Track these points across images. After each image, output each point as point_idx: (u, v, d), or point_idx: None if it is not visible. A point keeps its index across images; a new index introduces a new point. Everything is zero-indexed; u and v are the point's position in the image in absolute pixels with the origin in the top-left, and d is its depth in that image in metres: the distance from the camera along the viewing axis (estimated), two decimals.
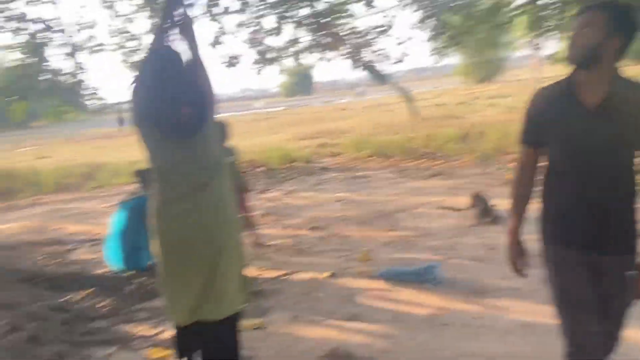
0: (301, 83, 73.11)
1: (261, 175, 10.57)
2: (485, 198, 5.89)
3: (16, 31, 9.10)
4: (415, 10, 10.65)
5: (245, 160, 12.26)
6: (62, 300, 4.01)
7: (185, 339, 2.46)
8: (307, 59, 13.00)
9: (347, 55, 13.87)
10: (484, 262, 4.44)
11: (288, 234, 5.98)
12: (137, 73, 2.46)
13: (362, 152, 12.34)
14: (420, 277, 4.10)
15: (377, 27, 12.60)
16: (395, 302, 3.84)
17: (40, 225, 7.50)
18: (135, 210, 4.59)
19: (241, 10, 10.05)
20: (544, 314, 2.87)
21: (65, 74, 10.50)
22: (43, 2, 9.18)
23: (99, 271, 4.82)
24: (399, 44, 11.56)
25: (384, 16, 11.54)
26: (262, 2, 10.00)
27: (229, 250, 2.37)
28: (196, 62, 2.39)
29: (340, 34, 12.74)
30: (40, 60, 9.67)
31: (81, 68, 10.22)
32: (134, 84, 2.38)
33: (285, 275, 4.55)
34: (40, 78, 9.92)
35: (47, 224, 7.57)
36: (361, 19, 10.86)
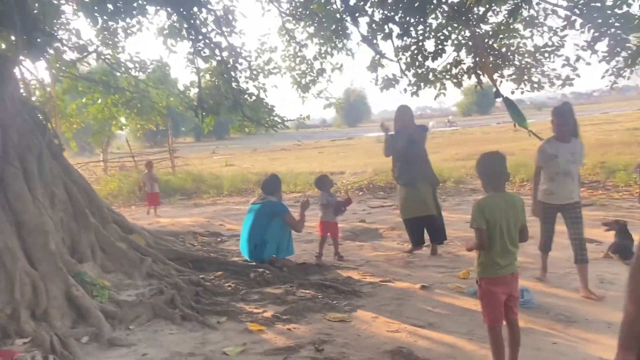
0: (480, 102, 70.67)
1: None
2: (625, 230, 5.43)
3: (208, 57, 10.91)
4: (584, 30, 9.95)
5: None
6: (199, 277, 4.99)
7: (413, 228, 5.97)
8: (470, 80, 12.92)
9: (512, 77, 13.41)
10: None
11: (405, 248, 6.29)
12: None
13: (517, 176, 11.88)
14: None
15: (544, 46, 12.00)
16: (476, 318, 3.96)
17: (207, 220, 8.98)
18: (261, 212, 5.43)
19: (401, 35, 10.53)
20: None
21: (247, 94, 12.24)
22: (234, 33, 10.84)
23: (234, 259, 5.77)
24: (564, 65, 10.82)
25: (552, 35, 10.83)
26: (423, 27, 10.35)
27: (429, 200, 5.81)
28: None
29: (506, 54, 12.40)
30: (227, 81, 11.44)
31: (260, 88, 11.83)
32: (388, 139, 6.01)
33: (383, 282, 4.92)
34: (226, 97, 11.72)
35: (213, 220, 9.02)
36: (528, 39, 10.39)
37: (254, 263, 5.42)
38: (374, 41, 10.32)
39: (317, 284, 4.76)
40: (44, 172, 4.55)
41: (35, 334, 3.67)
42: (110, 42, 10.69)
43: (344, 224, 7.46)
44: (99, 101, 12.91)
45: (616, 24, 9.50)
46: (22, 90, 5.53)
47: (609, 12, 9.13)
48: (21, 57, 5.48)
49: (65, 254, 4.43)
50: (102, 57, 11.03)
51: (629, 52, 9.38)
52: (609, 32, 9.68)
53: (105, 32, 10.21)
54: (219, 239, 7.21)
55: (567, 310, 4.01)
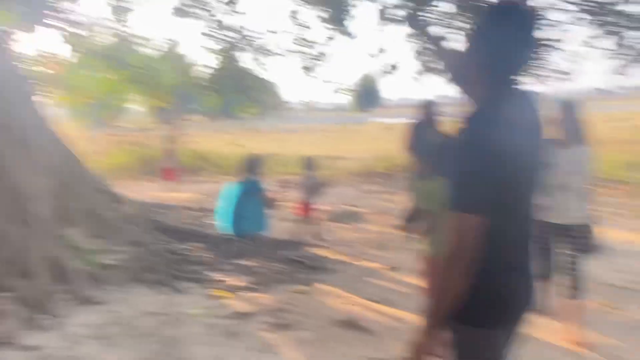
0: None
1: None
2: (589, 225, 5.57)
3: (214, 37, 11.04)
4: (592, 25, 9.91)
5: (399, 165, 12.96)
6: (178, 247, 5.28)
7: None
8: None
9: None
10: None
11: (384, 230, 6.52)
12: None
13: None
14: None
15: (545, 40, 11.94)
16: None
17: (200, 196, 9.29)
18: (240, 189, 5.67)
19: (409, 22, 10.57)
20: None
21: (250, 75, 12.38)
22: (238, 13, 10.93)
23: (213, 232, 6.05)
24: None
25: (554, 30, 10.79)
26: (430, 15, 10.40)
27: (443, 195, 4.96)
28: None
29: None
30: (232, 62, 11.59)
31: (264, 70, 11.95)
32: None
33: (354, 261, 5.18)
34: (231, 77, 11.87)
35: (206, 196, 9.32)
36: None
37: (231, 237, 5.69)
38: (382, 27, 10.45)
39: (287, 258, 5.04)
40: (37, 141, 4.83)
41: (19, 289, 3.98)
42: (120, 18, 10.92)
43: (328, 205, 7.69)
44: (108, 76, 13.12)
45: (622, 23, 9.50)
46: (15, 62, 5.75)
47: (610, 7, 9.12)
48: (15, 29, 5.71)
49: (53, 218, 4.72)
50: (112, 32, 11.24)
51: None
52: (614, 29, 9.67)
53: (116, 7, 10.43)
54: (205, 214, 7.48)
55: None
